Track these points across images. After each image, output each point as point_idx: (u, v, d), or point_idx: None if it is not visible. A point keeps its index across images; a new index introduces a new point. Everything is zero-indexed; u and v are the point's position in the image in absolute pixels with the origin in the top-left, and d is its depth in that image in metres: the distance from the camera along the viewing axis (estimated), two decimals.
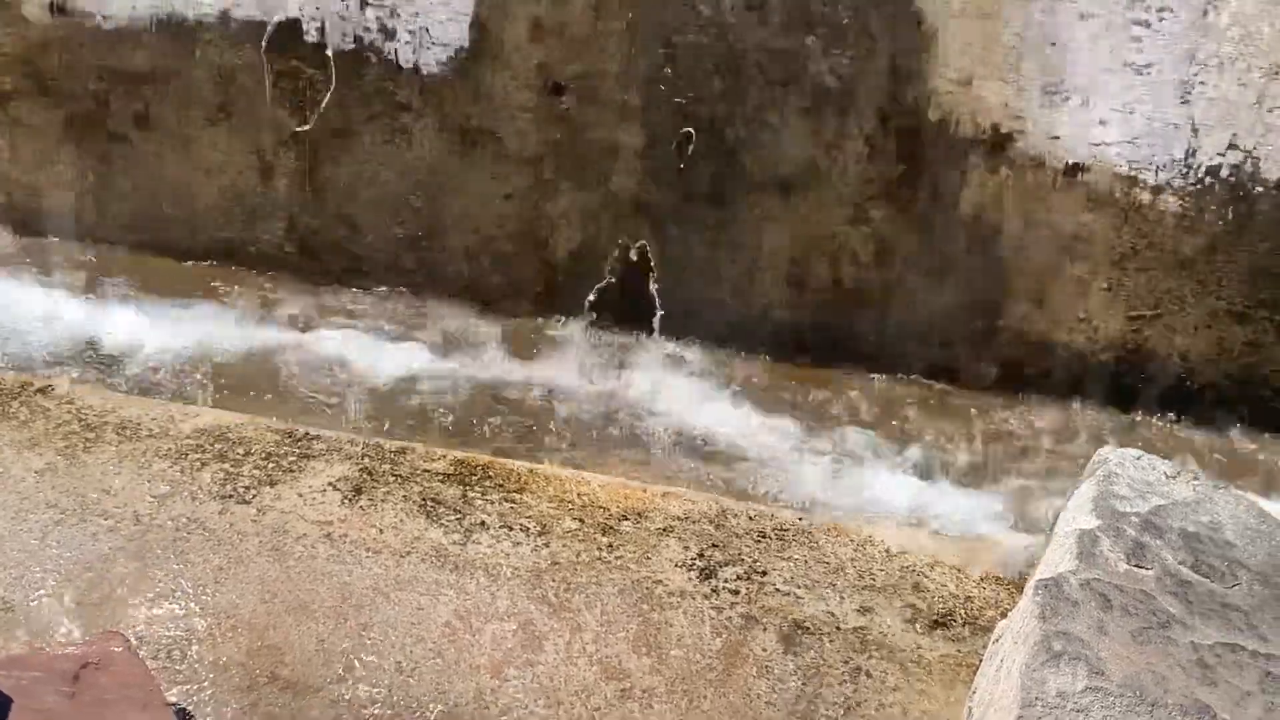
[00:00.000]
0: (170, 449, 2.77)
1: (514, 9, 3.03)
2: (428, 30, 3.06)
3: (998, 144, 3.00)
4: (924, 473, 3.00)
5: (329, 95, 3.13)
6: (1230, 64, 2.90)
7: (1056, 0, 2.90)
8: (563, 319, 3.22)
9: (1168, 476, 2.49)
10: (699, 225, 3.12)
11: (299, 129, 3.16)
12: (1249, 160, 2.95)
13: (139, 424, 2.84)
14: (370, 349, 3.17)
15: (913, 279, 3.10)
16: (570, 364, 3.17)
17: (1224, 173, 2.96)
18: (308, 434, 2.84)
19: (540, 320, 3.22)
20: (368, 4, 3.06)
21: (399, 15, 3.06)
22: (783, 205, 3.09)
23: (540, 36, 3.04)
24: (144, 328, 3.18)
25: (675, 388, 3.14)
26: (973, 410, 3.11)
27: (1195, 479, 2.50)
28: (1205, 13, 2.89)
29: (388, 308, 3.25)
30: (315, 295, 3.26)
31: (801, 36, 2.99)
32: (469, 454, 2.84)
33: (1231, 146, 2.95)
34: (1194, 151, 2.96)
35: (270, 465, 2.74)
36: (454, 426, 3.05)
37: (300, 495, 2.67)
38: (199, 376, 3.10)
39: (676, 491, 2.81)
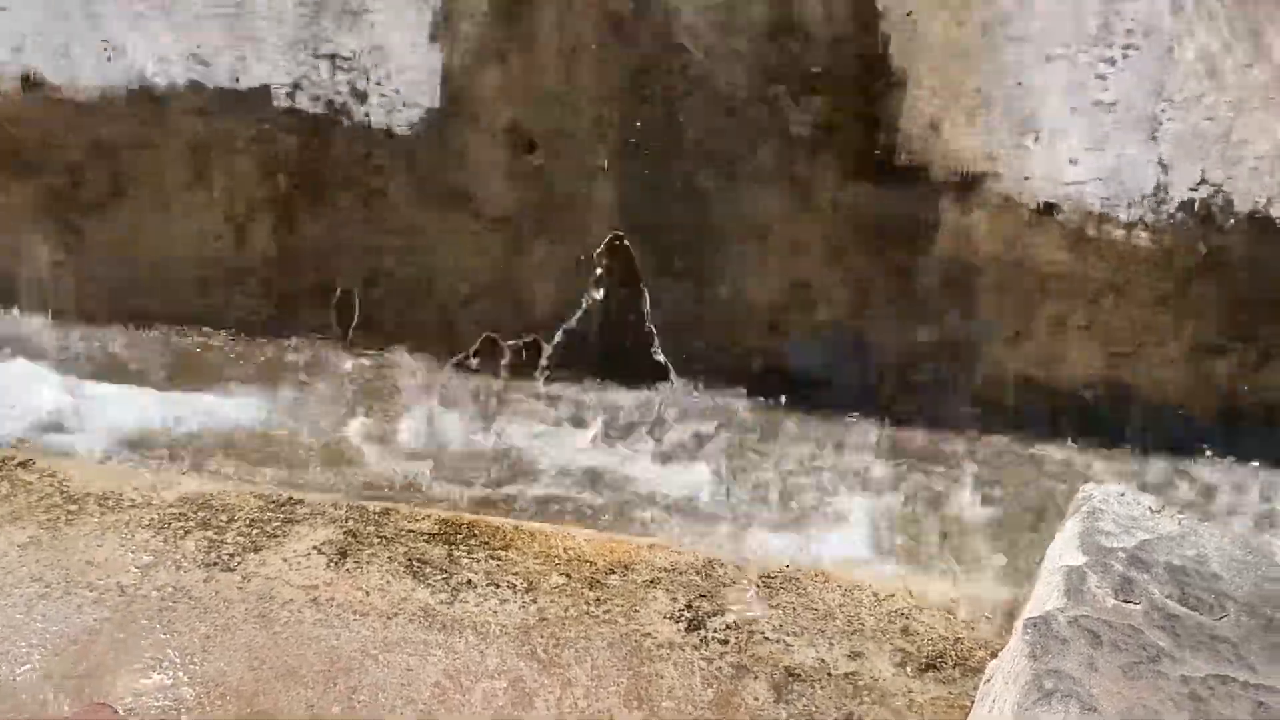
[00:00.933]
0: (153, 518, 2.77)
1: (484, 68, 3.04)
2: (399, 91, 3.07)
3: (969, 186, 3.02)
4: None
5: (302, 160, 3.13)
6: (1197, 99, 2.93)
7: (1022, 41, 2.92)
8: (542, 371, 3.21)
9: (1152, 511, 2.50)
10: (677, 276, 3.12)
11: (273, 194, 3.17)
12: (1220, 194, 2.97)
13: (121, 494, 2.83)
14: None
15: (890, 323, 3.10)
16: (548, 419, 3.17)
17: (1195, 207, 2.98)
18: (290, 499, 2.83)
19: (517, 375, 3.21)
20: (338, 68, 3.08)
21: (369, 77, 3.07)
22: (759, 253, 3.10)
23: (511, 94, 3.05)
24: (124, 399, 3.18)
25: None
26: (955, 451, 3.11)
27: (1179, 513, 2.51)
28: (1170, 49, 2.91)
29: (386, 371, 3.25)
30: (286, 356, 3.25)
31: (771, 85, 3.00)
32: (453, 513, 2.83)
33: (1202, 181, 2.97)
34: (1165, 187, 2.98)
35: (254, 531, 2.73)
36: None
37: (285, 560, 2.66)
38: (184, 447, 3.10)
39: (661, 543, 2.80)
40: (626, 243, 3.12)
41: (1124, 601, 2.22)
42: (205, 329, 3.28)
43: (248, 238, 3.21)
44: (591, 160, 3.08)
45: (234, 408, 3.16)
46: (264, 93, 3.12)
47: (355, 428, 3.13)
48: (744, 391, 3.19)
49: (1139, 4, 2.89)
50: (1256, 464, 3.05)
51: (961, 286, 3.07)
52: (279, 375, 3.24)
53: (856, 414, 3.15)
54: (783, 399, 3.17)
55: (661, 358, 3.17)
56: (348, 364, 3.23)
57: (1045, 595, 2.25)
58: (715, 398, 3.18)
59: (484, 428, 3.19)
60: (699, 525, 3.04)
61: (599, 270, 3.14)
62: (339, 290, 3.22)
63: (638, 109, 3.04)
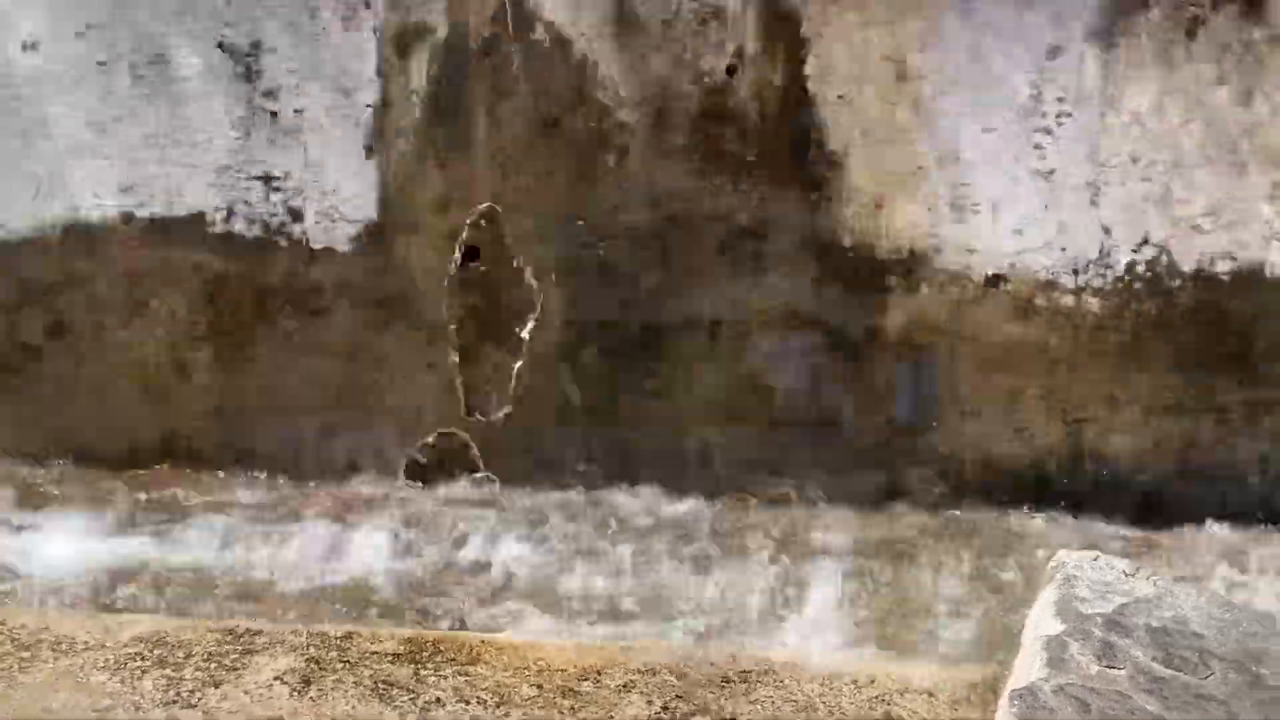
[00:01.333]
0: (109, 660, 2.69)
1: (421, 179, 3.03)
2: (336, 208, 3.05)
3: (915, 263, 3.01)
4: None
5: (242, 284, 3.10)
6: (1134, 162, 2.94)
7: (956, 116, 2.93)
8: (494, 481, 3.17)
9: (1126, 575, 2.46)
10: (628, 373, 3.09)
11: (214, 320, 3.12)
12: (1163, 254, 2.97)
13: (74, 638, 2.75)
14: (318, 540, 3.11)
15: (846, 405, 3.08)
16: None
17: (1140, 269, 2.98)
18: (249, 629, 2.76)
19: (476, 486, 3.16)
20: (274, 189, 3.05)
21: (306, 196, 3.05)
22: (710, 346, 3.07)
23: (450, 203, 3.03)
24: (72, 541, 3.11)
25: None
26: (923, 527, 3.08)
27: (1154, 575, 2.48)
28: (1103, 114, 2.93)
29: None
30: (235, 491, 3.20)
31: (711, 176, 3.00)
32: (418, 631, 2.77)
33: (1144, 243, 2.97)
34: (1109, 251, 2.98)
35: (213, 665, 2.66)
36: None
37: (246, 693, 2.59)
38: (135, 586, 3.03)
39: (634, 645, 2.75)
40: (574, 339, 3.09)
41: (1108, 667, 2.18)
42: (155, 465, 3.22)
43: (191, 368, 3.16)
44: (536, 263, 3.06)
45: (189, 544, 3.10)
46: (199, 219, 3.08)
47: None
48: (700, 490, 3.14)
49: (1068, 72, 2.91)
50: (1220, 523, 3.03)
51: (915, 363, 3.05)
52: (230, 508, 3.18)
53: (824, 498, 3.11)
54: (744, 491, 3.13)
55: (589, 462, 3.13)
56: (310, 502, 3.17)
57: (1027, 666, 2.21)
58: (664, 499, 3.14)
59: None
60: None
61: (549, 370, 3.11)
62: (291, 416, 3.17)
63: (578, 207, 3.02)
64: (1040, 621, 2.33)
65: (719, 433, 3.11)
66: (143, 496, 3.20)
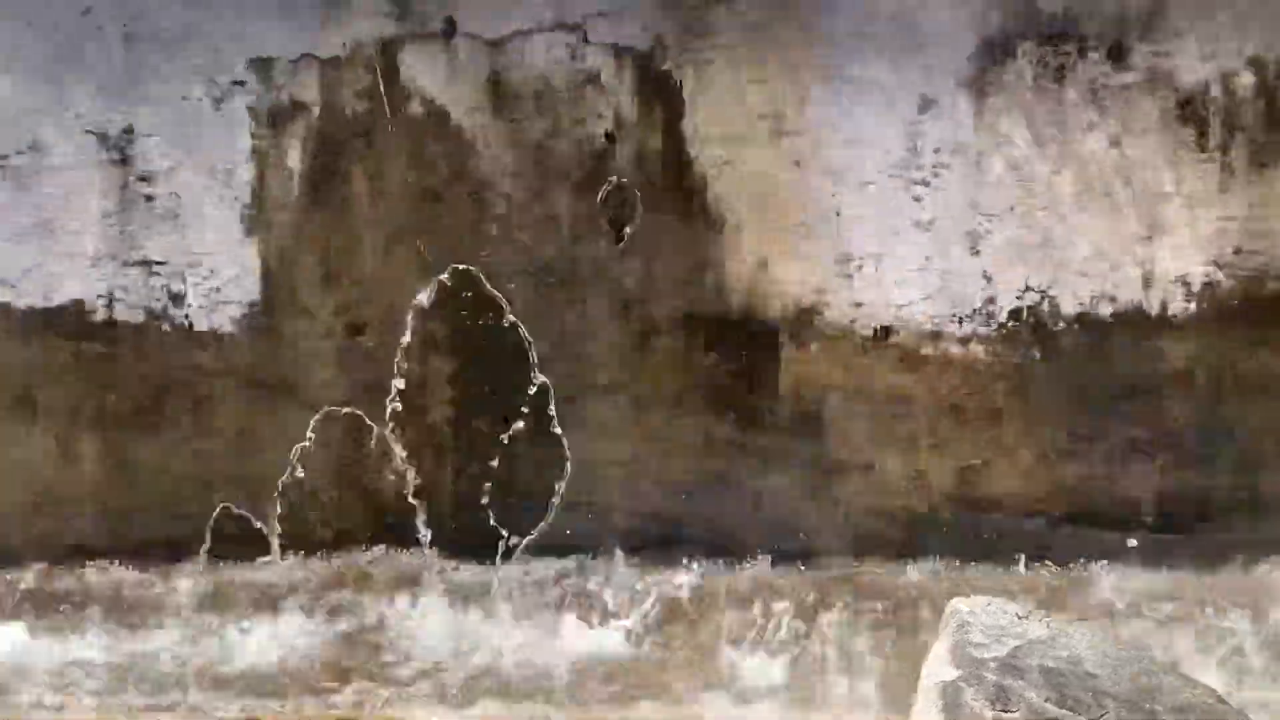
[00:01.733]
0: None
1: (302, 256, 3.01)
2: (218, 289, 3.02)
3: (803, 319, 3.01)
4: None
5: (125, 371, 3.05)
6: (1011, 209, 2.97)
7: (834, 173, 2.95)
8: (401, 558, 3.12)
9: (1019, 618, 2.46)
10: (524, 445, 3.07)
11: (100, 410, 3.07)
12: (1045, 299, 3.00)
13: None
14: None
15: (742, 466, 3.07)
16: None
17: (1024, 315, 3.00)
18: None
19: (374, 564, 3.12)
20: (153, 273, 3.02)
21: (186, 279, 3.01)
22: (607, 412, 3.06)
23: (332, 279, 3.01)
24: None
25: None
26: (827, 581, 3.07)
27: (1046, 616, 2.48)
28: (979, 164, 2.96)
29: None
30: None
31: (593, 241, 3.00)
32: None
33: (1027, 289, 3.00)
34: (992, 299, 3.00)
35: None
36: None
37: None
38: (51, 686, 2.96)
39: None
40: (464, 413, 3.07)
41: (1003, 710, 2.18)
42: (40, 562, 3.14)
43: (77, 460, 3.10)
44: (421, 334, 3.03)
45: (87, 644, 3.04)
46: (79, 307, 3.04)
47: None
48: (617, 545, 3.11)
49: (942, 125, 2.94)
50: (1117, 563, 3.04)
51: (809, 420, 3.04)
52: (125, 604, 3.12)
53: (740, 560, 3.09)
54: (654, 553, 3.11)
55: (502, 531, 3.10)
56: (187, 585, 3.11)
57: (924, 714, 2.20)
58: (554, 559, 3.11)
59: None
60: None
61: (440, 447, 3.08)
62: (187, 506, 3.12)
63: (461, 277, 3.01)
64: (935, 670, 2.32)
65: (619, 500, 3.08)
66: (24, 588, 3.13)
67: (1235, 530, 3.03)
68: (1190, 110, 2.92)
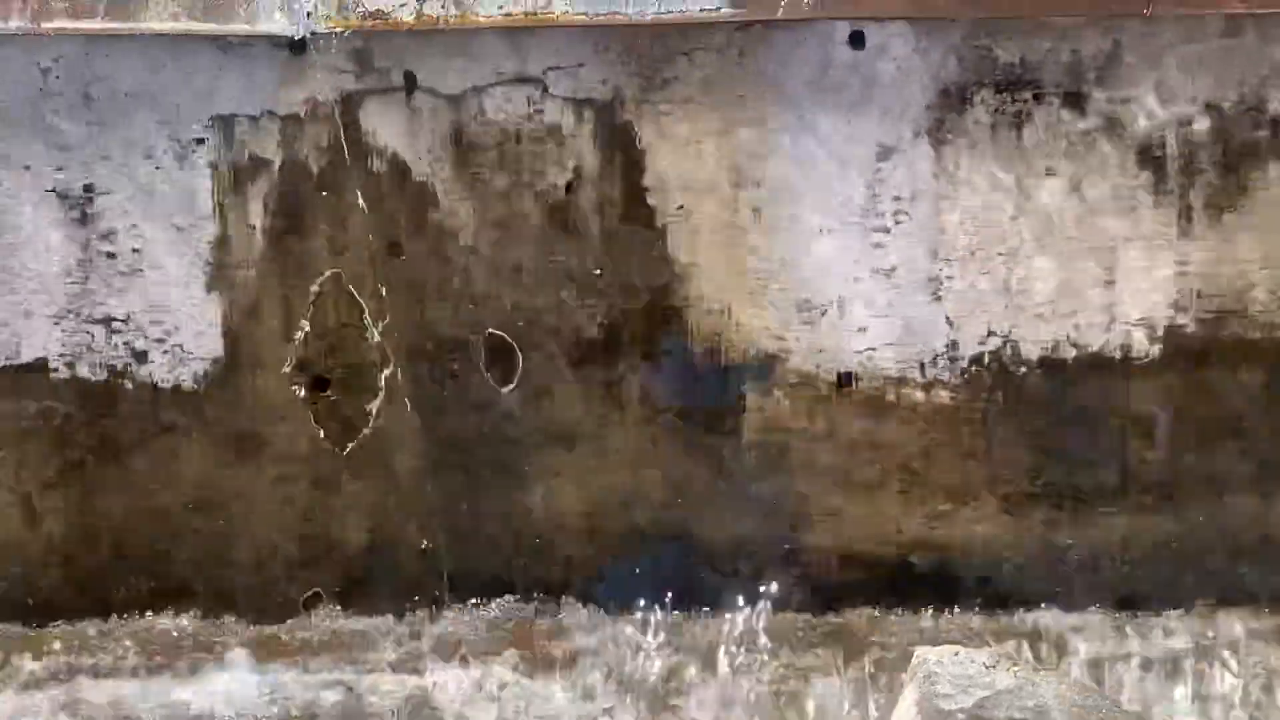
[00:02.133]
0: None
1: (265, 311, 3.00)
2: (181, 346, 3.01)
3: (766, 366, 3.02)
4: None
5: (89, 431, 3.04)
6: (972, 255, 2.99)
7: (794, 220, 2.96)
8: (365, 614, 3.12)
9: (987, 667, 2.47)
10: (486, 493, 3.07)
11: (62, 468, 3.06)
12: (1008, 344, 3.01)
13: None
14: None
15: (710, 513, 3.08)
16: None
17: (987, 360, 3.02)
18: None
19: (343, 620, 3.11)
20: (114, 331, 3.01)
21: (148, 336, 3.01)
22: (569, 460, 3.06)
23: (294, 336, 3.01)
24: None
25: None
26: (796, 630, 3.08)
27: (1014, 665, 2.49)
28: (939, 210, 2.98)
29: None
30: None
31: (557, 291, 3.00)
32: None
33: (990, 334, 3.01)
34: (955, 344, 3.02)
35: None
36: None
37: None
38: None
39: None
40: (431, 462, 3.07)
41: None
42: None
43: (40, 519, 3.08)
44: (386, 388, 3.03)
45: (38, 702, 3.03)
46: (40, 366, 3.03)
47: None
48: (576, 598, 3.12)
49: (901, 172, 2.96)
50: (1085, 610, 3.05)
51: (774, 467, 3.05)
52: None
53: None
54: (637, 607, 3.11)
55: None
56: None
57: None
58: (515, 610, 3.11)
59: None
60: None
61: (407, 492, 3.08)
62: (152, 564, 3.11)
63: (425, 330, 3.01)
64: None
65: (583, 546, 3.09)
66: None
67: (1201, 572, 3.05)
68: (1148, 156, 2.94)
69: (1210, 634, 3.03)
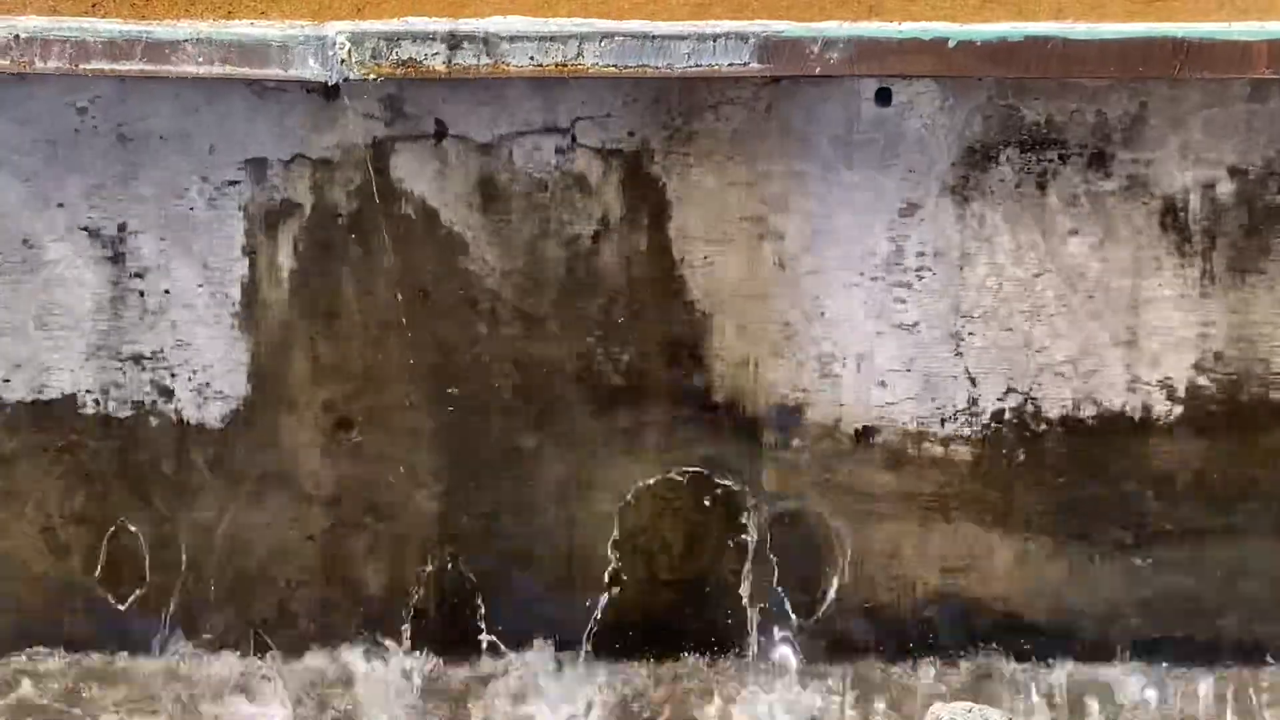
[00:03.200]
0: None
1: (291, 352, 3.03)
2: (208, 384, 3.04)
3: (787, 417, 3.04)
4: None
5: (115, 465, 3.07)
6: (993, 312, 3.00)
7: (819, 274, 2.98)
8: (384, 653, 3.13)
9: None
10: (507, 541, 3.08)
11: (89, 502, 3.09)
12: (1028, 401, 3.02)
13: None
14: None
15: (726, 566, 3.09)
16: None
17: (1007, 416, 3.03)
18: None
19: (362, 661, 3.13)
20: (143, 368, 3.04)
21: (176, 375, 3.04)
22: (589, 508, 3.08)
23: (321, 374, 3.04)
24: None
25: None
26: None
27: None
28: (961, 267, 2.99)
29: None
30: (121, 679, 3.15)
31: (583, 341, 3.03)
32: None
33: (1010, 390, 3.03)
34: (975, 400, 3.03)
35: None
36: None
37: None
38: None
39: None
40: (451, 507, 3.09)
41: None
42: (37, 650, 3.15)
43: (69, 553, 3.11)
44: (410, 432, 3.06)
45: None
46: (70, 401, 3.06)
47: None
48: (590, 650, 3.13)
49: (925, 228, 2.97)
50: (1102, 665, 3.05)
51: (792, 519, 3.06)
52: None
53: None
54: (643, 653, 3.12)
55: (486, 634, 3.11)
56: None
57: None
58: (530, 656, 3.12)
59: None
60: None
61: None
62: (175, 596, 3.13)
63: (451, 374, 3.04)
64: None
65: (603, 595, 3.10)
66: (22, 688, 3.13)
67: (1219, 632, 3.06)
68: (1171, 217, 2.95)
69: (1230, 692, 3.03)
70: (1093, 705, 3.03)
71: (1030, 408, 3.02)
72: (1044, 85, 2.91)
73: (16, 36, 2.74)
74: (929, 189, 2.96)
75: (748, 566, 3.08)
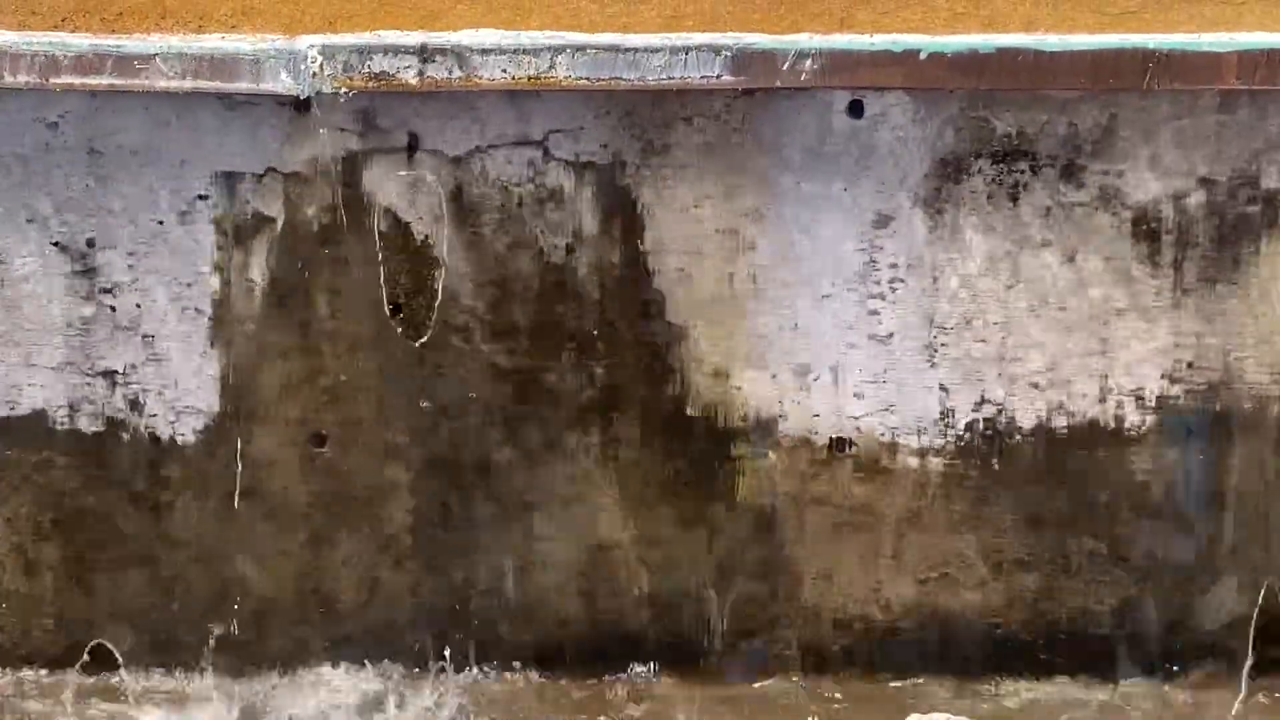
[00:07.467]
0: None
1: (263, 368, 3.02)
2: (180, 400, 3.03)
3: (761, 430, 3.04)
4: None
5: (85, 481, 3.05)
6: (967, 323, 3.01)
7: (792, 285, 2.99)
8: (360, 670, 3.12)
9: None
10: (481, 551, 3.08)
11: (57, 519, 3.07)
12: (1002, 413, 3.03)
13: None
14: None
15: (699, 580, 3.09)
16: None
17: (980, 427, 3.03)
18: None
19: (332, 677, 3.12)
20: (116, 383, 3.03)
21: (148, 390, 3.02)
22: (563, 522, 3.07)
23: (292, 393, 3.02)
24: None
25: None
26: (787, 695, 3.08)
27: None
28: (935, 279, 3.00)
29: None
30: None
31: (556, 352, 3.02)
32: None
33: (984, 402, 3.03)
34: (949, 411, 3.04)
35: None
36: None
37: None
38: None
39: None
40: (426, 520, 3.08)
41: None
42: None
43: (35, 570, 3.09)
44: (385, 446, 3.05)
45: None
46: (40, 417, 3.04)
47: None
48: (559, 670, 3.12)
49: (898, 240, 2.98)
50: (1080, 677, 3.06)
51: (765, 530, 3.06)
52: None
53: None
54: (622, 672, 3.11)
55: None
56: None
57: None
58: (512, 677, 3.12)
59: None
60: None
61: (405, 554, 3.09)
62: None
63: (424, 388, 3.03)
64: None
65: (574, 610, 3.09)
66: None
67: (1195, 645, 3.07)
68: (1143, 228, 2.97)
69: (1203, 706, 3.04)
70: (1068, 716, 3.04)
71: (1004, 419, 3.03)
72: (1015, 97, 2.92)
73: None
74: (901, 201, 2.97)
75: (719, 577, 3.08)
